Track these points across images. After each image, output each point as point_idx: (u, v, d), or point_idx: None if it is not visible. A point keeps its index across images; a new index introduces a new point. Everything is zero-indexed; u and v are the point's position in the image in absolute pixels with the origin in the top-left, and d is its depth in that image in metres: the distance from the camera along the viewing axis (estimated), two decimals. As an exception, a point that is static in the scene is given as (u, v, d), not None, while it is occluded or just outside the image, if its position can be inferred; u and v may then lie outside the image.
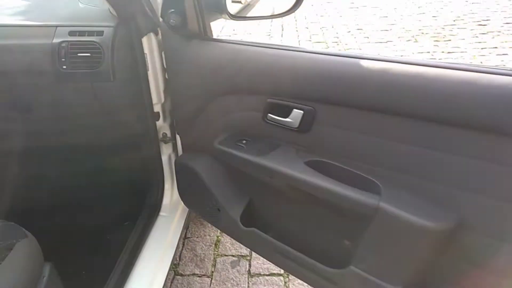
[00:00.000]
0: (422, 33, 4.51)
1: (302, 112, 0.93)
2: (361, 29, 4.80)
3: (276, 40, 4.61)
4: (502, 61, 3.69)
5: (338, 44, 4.36)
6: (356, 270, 0.92)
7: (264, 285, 1.64)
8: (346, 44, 4.34)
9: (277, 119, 0.99)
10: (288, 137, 0.99)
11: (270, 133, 1.02)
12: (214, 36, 1.12)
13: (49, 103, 1.27)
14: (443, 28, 4.63)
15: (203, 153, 1.19)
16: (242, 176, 1.10)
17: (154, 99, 1.26)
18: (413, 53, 3.96)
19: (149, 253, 1.24)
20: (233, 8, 1.22)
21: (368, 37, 4.49)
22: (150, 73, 1.21)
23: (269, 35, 4.81)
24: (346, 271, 0.94)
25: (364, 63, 0.83)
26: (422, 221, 0.78)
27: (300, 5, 1.05)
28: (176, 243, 1.32)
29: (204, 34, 1.08)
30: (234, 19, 1.08)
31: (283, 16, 1.08)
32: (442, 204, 0.79)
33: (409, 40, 4.31)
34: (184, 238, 1.90)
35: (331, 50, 0.91)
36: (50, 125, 1.34)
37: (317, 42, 4.48)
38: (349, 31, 4.76)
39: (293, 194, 1.01)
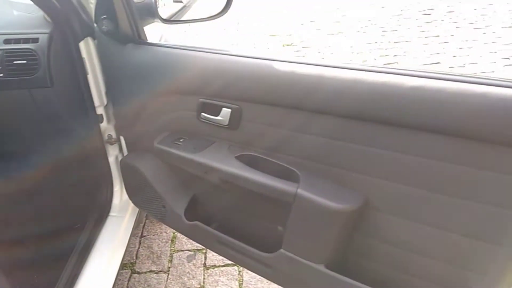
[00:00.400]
0: (371, 23, 4.68)
1: (230, 110, 1.00)
2: (314, 21, 4.91)
3: (231, 34, 4.64)
4: (443, 48, 3.91)
5: (291, 36, 4.45)
6: (285, 252, 1.01)
7: (219, 276, 1.71)
8: (299, 37, 4.43)
9: (210, 118, 1.05)
10: (221, 134, 1.06)
11: (205, 131, 1.09)
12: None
13: None
14: (391, 18, 4.82)
15: (146, 152, 1.23)
16: (184, 173, 1.15)
17: (96, 102, 1.28)
18: (362, 44, 4.11)
19: (99, 253, 1.27)
20: (168, 11, 1.26)
21: (320, 29, 4.61)
22: (90, 76, 1.23)
23: (225, 29, 4.83)
24: (277, 254, 1.03)
25: (277, 65, 0.91)
26: (332, 203, 0.88)
27: (229, 7, 1.11)
28: (127, 242, 1.36)
29: (138, 38, 1.11)
30: (166, 23, 1.12)
31: (215, 18, 1.14)
32: (351, 188, 0.89)
33: (358, 31, 4.47)
34: (141, 236, 1.93)
35: (253, 53, 0.98)
36: None
37: (271, 35, 4.55)
38: (303, 24, 4.86)
39: (228, 187, 1.07)
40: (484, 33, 4.24)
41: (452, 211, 0.81)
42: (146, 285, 1.67)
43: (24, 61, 1.16)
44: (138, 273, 1.74)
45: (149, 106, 1.16)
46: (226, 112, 1.01)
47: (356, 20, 4.84)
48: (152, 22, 1.16)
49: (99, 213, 1.40)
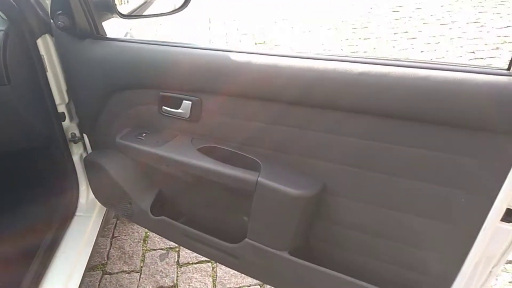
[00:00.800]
0: (342, 21, 4.75)
1: (190, 102, 1.00)
2: (286, 19, 4.95)
3: (204, 33, 4.63)
4: (411, 44, 4.00)
5: (264, 35, 4.47)
6: (250, 241, 1.02)
7: (193, 273, 1.70)
8: (272, 35, 4.46)
9: (171, 111, 1.05)
10: (183, 127, 1.06)
11: (167, 125, 1.09)
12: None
13: None
14: (361, 16, 4.91)
15: (110, 149, 1.22)
16: (149, 168, 1.15)
17: (57, 100, 1.25)
18: (334, 41, 4.17)
19: (65, 254, 1.24)
20: (130, 6, 1.25)
21: (292, 27, 4.65)
22: (49, 74, 1.21)
23: (197, 28, 4.81)
24: (243, 244, 1.04)
25: (233, 56, 0.92)
26: (291, 190, 0.90)
27: (189, 2, 1.11)
28: (94, 242, 1.34)
29: (97, 33, 1.10)
30: (125, 18, 1.11)
31: (174, 13, 1.13)
32: (309, 175, 0.91)
33: (330, 29, 4.53)
34: (112, 237, 1.90)
35: (211, 45, 0.99)
36: None
37: (244, 34, 4.56)
38: (275, 22, 4.89)
39: (191, 180, 1.07)
40: (450, 28, 4.37)
41: (406, 193, 0.84)
42: (118, 286, 1.65)
43: None
44: (110, 274, 1.71)
45: (110, 102, 1.15)
46: (186, 104, 1.01)
47: (328, 18, 4.91)
48: (111, 17, 1.15)
49: (65, 213, 1.37)
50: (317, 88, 0.84)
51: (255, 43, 4.26)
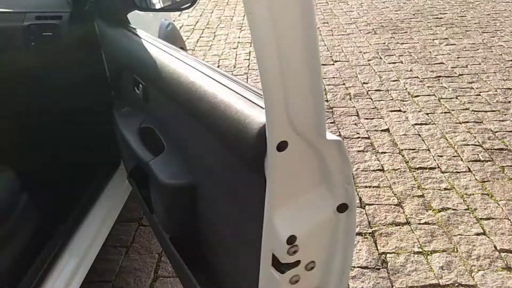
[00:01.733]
0: (382, 26, 4.86)
1: (142, 86, 1.16)
2: (326, 23, 5.14)
3: (245, 31, 4.92)
4: (449, 49, 4.05)
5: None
6: (156, 218, 1.13)
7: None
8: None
9: (136, 92, 1.21)
10: (141, 106, 1.23)
11: (137, 104, 1.26)
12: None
13: (22, 74, 1.56)
14: (402, 22, 4.99)
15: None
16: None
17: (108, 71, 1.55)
18: (370, 44, 4.31)
19: (103, 202, 1.49)
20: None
21: (331, 30, 4.83)
22: (103, 49, 1.51)
23: (240, 28, 5.12)
24: (153, 217, 1.16)
25: (158, 52, 1.06)
26: (160, 176, 0.97)
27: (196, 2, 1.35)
28: (129, 192, 1.61)
29: (119, 21, 1.37)
30: (141, 10, 1.39)
31: (183, 10, 1.37)
32: (187, 169, 0.98)
33: (369, 33, 4.65)
34: (149, 198, 2.21)
35: (162, 43, 1.16)
36: (26, 94, 1.62)
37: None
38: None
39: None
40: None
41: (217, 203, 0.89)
42: (150, 235, 1.94)
43: (51, 33, 1.46)
44: (144, 225, 2.00)
45: (121, 79, 1.40)
46: (140, 87, 1.16)
47: (368, 22, 5.03)
48: (133, 10, 1.41)
49: (112, 164, 1.66)
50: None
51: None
